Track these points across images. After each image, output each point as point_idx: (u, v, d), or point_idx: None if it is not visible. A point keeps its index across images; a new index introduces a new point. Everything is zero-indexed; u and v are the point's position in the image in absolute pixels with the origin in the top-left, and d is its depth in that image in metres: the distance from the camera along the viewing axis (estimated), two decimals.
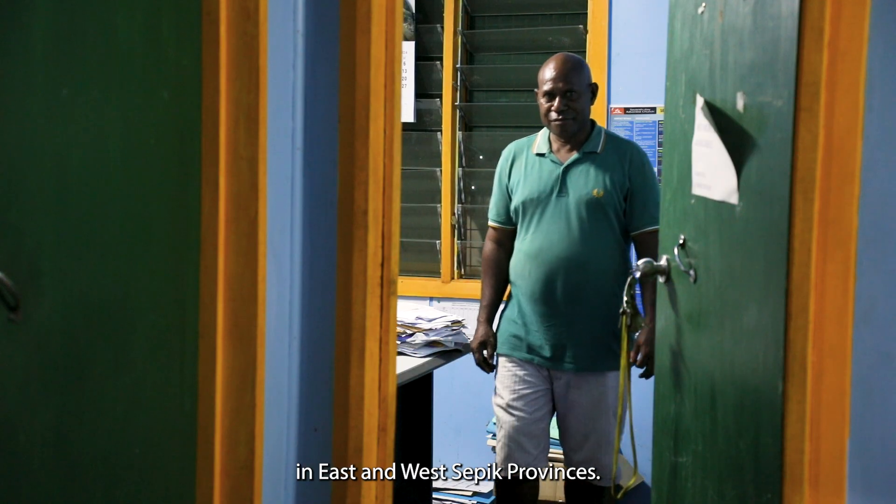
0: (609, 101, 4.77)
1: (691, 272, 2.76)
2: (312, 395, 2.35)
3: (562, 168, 3.77)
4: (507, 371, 3.88)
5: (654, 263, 2.99)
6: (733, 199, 2.48)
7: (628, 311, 3.11)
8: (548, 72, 3.75)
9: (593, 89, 3.80)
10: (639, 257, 3.58)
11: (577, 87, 3.73)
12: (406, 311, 3.86)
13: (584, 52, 4.83)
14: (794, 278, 2.09)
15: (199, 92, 2.18)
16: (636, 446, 3.17)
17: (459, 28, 5.13)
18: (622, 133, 4.72)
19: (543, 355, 3.80)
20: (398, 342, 3.70)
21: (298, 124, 2.33)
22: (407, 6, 5.15)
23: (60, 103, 2.18)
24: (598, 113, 4.75)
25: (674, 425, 2.92)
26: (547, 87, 3.73)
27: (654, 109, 4.67)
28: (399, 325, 3.74)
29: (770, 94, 2.25)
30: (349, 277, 2.27)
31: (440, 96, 5.19)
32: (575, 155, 3.77)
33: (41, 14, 2.17)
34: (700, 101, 2.65)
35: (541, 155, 3.82)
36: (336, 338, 2.31)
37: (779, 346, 2.16)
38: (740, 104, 2.44)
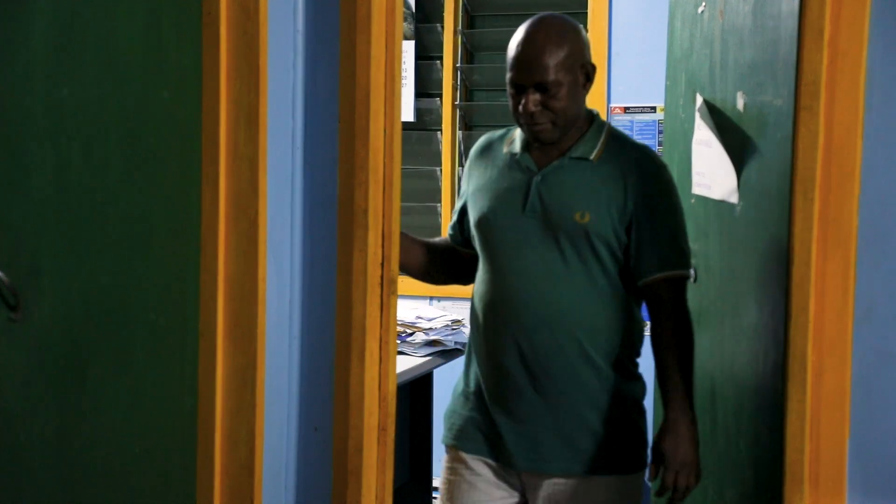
0: (609, 101, 4.76)
1: (691, 272, 2.76)
2: (312, 394, 2.36)
3: (535, 177, 2.52)
4: (452, 474, 2.63)
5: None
6: (733, 198, 2.48)
7: None
8: (516, 49, 2.52)
9: (587, 70, 2.50)
10: (651, 317, 2.53)
11: (555, 77, 2.44)
12: (406, 311, 3.86)
13: None
14: (795, 278, 2.09)
15: (200, 92, 2.18)
16: None
17: (459, 28, 5.13)
18: None
19: (506, 450, 2.53)
20: (398, 341, 3.70)
21: (298, 124, 2.33)
22: (407, 6, 5.15)
23: (61, 103, 2.18)
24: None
25: None
26: (512, 74, 2.50)
27: (654, 109, 4.67)
28: (399, 325, 3.74)
29: (770, 94, 2.25)
30: (349, 277, 2.27)
31: (440, 96, 5.19)
32: (557, 160, 2.52)
33: (42, 14, 2.17)
34: (700, 100, 2.65)
35: (514, 155, 2.58)
36: (336, 337, 2.31)
37: (779, 346, 2.16)
38: (740, 103, 2.44)
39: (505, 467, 2.54)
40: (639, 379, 2.56)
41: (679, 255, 2.47)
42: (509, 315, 2.49)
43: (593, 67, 2.50)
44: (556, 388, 2.47)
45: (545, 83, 2.43)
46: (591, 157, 2.49)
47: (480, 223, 2.57)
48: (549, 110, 2.45)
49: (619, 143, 2.54)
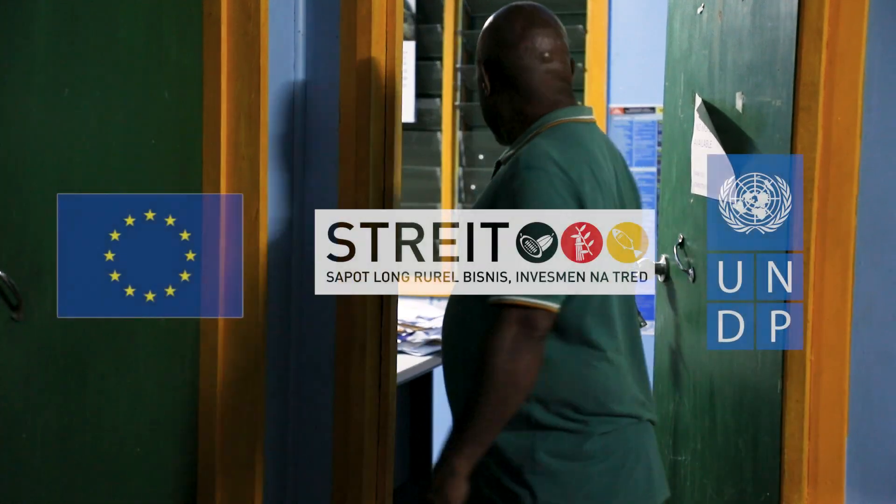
0: (608, 101, 4.77)
1: (690, 271, 2.77)
2: (313, 393, 2.36)
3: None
4: None
5: (654, 262, 2.99)
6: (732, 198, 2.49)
7: None
8: None
9: (490, 69, 2.09)
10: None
11: (477, 72, 2.14)
12: (406, 311, 3.87)
13: (584, 52, 4.83)
14: (793, 277, 2.10)
15: (201, 92, 2.19)
16: None
17: (459, 28, 5.13)
18: (621, 134, 4.72)
19: None
20: (398, 341, 3.71)
21: (299, 124, 2.34)
22: (407, 6, 5.15)
23: (62, 103, 2.18)
24: (598, 113, 4.76)
25: (673, 424, 2.93)
26: None
27: (653, 109, 4.67)
28: (399, 324, 3.74)
29: (769, 94, 2.26)
30: None
31: (440, 96, 5.20)
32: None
33: (43, 14, 2.18)
34: (699, 101, 2.66)
35: None
36: (336, 336, 2.32)
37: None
38: (739, 104, 2.45)
39: None
40: (547, 428, 1.96)
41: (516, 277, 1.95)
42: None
43: (491, 62, 2.08)
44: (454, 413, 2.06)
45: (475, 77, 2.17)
46: (502, 158, 2.11)
47: None
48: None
49: (537, 138, 2.02)
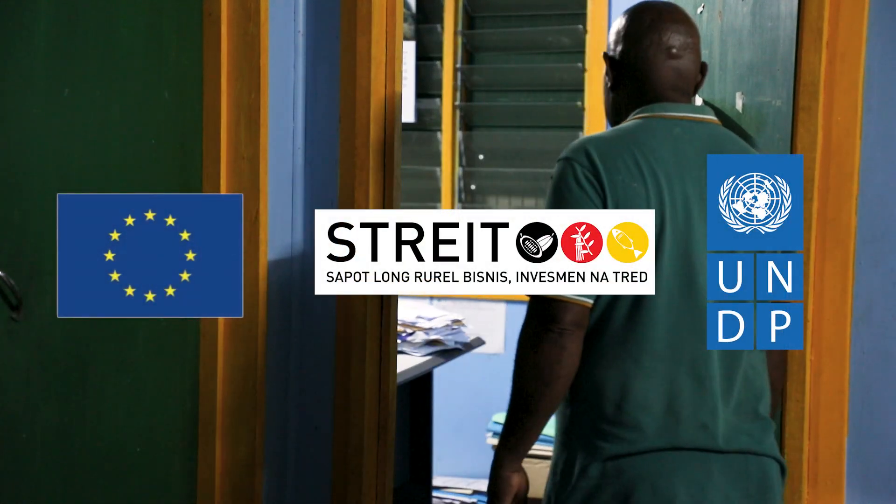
0: None
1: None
2: (313, 393, 2.36)
3: None
4: None
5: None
6: None
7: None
8: None
9: (610, 62, 2.06)
10: None
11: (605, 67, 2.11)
12: (406, 311, 3.86)
13: (584, 52, 4.84)
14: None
15: (201, 92, 2.19)
16: None
17: (459, 28, 5.13)
18: None
19: None
20: (398, 341, 3.71)
21: (299, 124, 2.34)
22: (407, 6, 5.15)
23: (62, 103, 2.18)
24: (598, 113, 4.76)
25: None
26: None
27: None
28: (399, 325, 3.74)
29: (769, 94, 2.26)
30: None
31: (440, 96, 5.20)
32: None
33: (43, 14, 2.18)
34: (699, 101, 2.66)
35: None
36: (336, 336, 2.32)
37: None
38: (739, 104, 2.45)
39: None
40: (573, 436, 1.93)
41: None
42: None
43: (609, 58, 2.05)
44: None
45: None
46: None
47: None
48: None
49: None
